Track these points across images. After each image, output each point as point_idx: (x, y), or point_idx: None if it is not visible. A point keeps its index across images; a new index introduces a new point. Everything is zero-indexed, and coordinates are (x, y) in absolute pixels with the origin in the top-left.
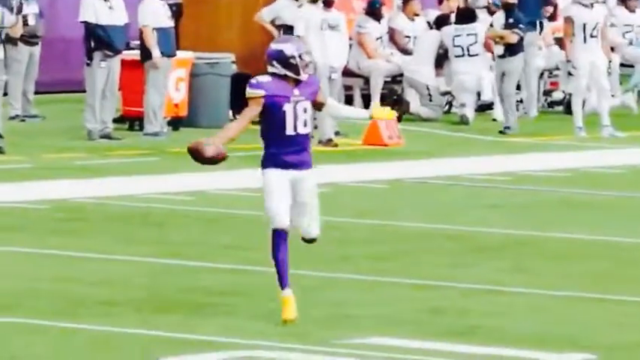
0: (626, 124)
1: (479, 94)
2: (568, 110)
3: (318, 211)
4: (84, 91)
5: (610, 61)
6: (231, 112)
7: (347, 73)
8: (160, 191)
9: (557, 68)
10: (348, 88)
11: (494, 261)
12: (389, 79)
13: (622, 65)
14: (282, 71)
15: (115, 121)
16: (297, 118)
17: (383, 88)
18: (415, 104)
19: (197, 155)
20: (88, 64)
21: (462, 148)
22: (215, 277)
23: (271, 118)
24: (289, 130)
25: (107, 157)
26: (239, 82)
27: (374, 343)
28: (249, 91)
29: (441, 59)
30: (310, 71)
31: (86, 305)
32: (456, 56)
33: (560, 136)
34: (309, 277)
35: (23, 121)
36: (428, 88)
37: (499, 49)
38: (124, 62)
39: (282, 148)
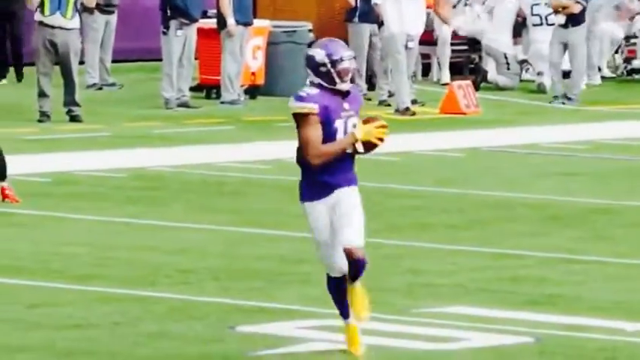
0: None
1: None
2: None
3: (361, 223)
4: (161, 60)
5: None
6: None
7: (424, 41)
8: (237, 160)
9: (636, 36)
10: (425, 56)
11: (572, 230)
12: (466, 47)
13: None
14: (316, 80)
15: (192, 89)
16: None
17: (460, 57)
18: (492, 72)
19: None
20: (164, 33)
21: (539, 117)
22: (291, 246)
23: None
24: None
25: (184, 125)
26: None
27: (453, 312)
28: (299, 106)
29: (519, 28)
30: (348, 80)
31: (164, 274)
32: (534, 25)
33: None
34: (389, 246)
35: (100, 89)
36: (505, 57)
37: (560, 19)
38: (200, 30)
39: (326, 170)
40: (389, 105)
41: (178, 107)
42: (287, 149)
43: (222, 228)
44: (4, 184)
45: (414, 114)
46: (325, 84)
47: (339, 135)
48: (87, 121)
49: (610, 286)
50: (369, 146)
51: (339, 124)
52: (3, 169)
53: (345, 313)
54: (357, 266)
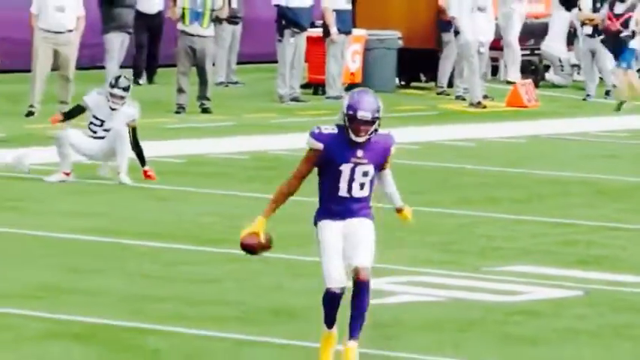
0: None
1: None
2: None
3: (371, 245)
4: (276, 62)
5: None
6: (397, 79)
7: (493, 47)
8: None
9: None
10: (493, 59)
11: (616, 203)
12: (528, 52)
13: None
14: (342, 123)
15: (302, 87)
16: (354, 180)
17: (523, 60)
18: (549, 74)
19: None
20: (279, 40)
21: (588, 110)
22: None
23: (327, 172)
24: (342, 192)
25: (296, 116)
26: (404, 55)
27: (517, 270)
28: (308, 140)
29: (572, 36)
30: (363, 135)
31: (280, 237)
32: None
33: None
34: (462, 216)
35: (227, 86)
36: (560, 61)
37: (588, 29)
38: (309, 38)
39: (333, 205)
40: (464, 99)
41: (291, 101)
42: None
43: None
44: (146, 167)
45: (484, 107)
46: (349, 130)
47: (344, 178)
48: (215, 112)
49: None
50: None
51: (344, 168)
52: (142, 157)
53: (330, 323)
54: (361, 287)
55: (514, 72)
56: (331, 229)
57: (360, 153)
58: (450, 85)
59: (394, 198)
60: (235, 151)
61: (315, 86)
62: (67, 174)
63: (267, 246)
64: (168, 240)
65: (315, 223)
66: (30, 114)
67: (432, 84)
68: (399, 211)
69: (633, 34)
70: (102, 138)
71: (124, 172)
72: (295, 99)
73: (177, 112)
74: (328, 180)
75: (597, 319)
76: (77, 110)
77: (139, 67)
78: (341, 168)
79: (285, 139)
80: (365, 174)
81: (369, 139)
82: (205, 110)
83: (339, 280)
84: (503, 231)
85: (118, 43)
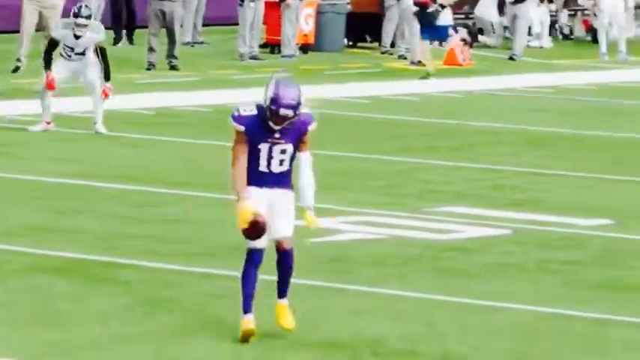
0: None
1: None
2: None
3: (291, 216)
4: (237, 24)
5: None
6: (346, 40)
7: None
8: None
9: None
10: None
11: (541, 151)
12: (464, 17)
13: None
14: (263, 104)
15: (261, 46)
16: (272, 157)
17: (458, 24)
18: (482, 36)
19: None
20: (240, 4)
21: (517, 68)
22: (331, 161)
23: (249, 150)
24: (262, 168)
25: (255, 72)
26: (352, 18)
27: (452, 211)
28: (230, 122)
29: (503, 3)
30: (281, 125)
31: None
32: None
33: (588, 59)
34: (403, 162)
35: (193, 46)
36: (492, 25)
37: None
38: (267, 2)
39: (256, 177)
40: (405, 58)
41: (250, 59)
42: (328, 90)
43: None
44: (107, 84)
45: (424, 65)
46: (268, 114)
47: (263, 156)
48: (182, 69)
49: (569, 193)
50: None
51: (262, 147)
52: (108, 74)
53: (248, 307)
54: (285, 256)
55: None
56: (258, 194)
57: (277, 134)
58: (392, 45)
59: (304, 194)
60: (200, 104)
61: (272, 46)
62: (49, 123)
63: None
64: (138, 183)
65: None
66: (16, 69)
67: (377, 44)
68: (303, 211)
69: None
70: (75, 60)
71: (99, 123)
72: (254, 57)
73: (147, 69)
74: (250, 155)
75: (523, 255)
76: (52, 47)
77: (119, 29)
78: (259, 147)
79: (245, 94)
80: (283, 152)
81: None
82: (173, 67)
83: (260, 242)
84: (440, 176)
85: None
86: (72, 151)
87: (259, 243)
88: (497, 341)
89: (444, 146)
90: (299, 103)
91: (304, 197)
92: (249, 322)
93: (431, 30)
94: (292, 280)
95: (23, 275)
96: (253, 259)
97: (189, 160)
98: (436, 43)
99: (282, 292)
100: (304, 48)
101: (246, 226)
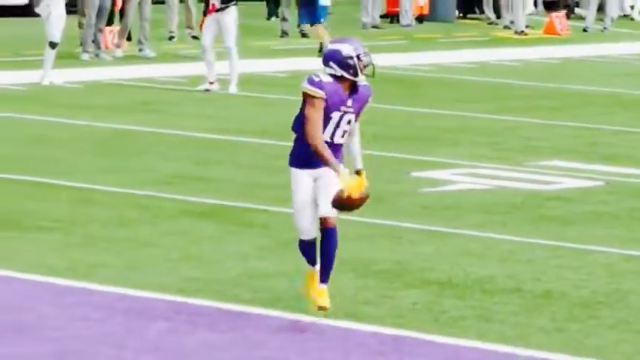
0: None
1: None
2: None
3: (334, 193)
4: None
5: None
6: (457, 12)
7: None
8: (411, 63)
9: None
10: None
11: (632, 112)
12: None
13: None
14: (339, 72)
15: (381, 17)
16: (339, 127)
17: None
18: (578, 8)
19: (348, 205)
20: None
21: (610, 38)
22: (445, 120)
23: None
24: (326, 137)
25: (376, 40)
26: None
27: (552, 164)
28: (310, 88)
29: None
30: (368, 72)
31: None
32: None
33: None
34: (508, 121)
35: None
36: None
37: None
38: None
39: (309, 152)
40: (510, 28)
41: (372, 28)
42: (442, 57)
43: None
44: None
45: (526, 35)
46: (348, 76)
47: (331, 125)
48: (311, 37)
49: None
50: (343, 205)
51: (335, 115)
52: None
53: (312, 260)
54: (329, 234)
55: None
56: (302, 182)
57: (349, 102)
58: (499, 17)
59: (357, 158)
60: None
61: (392, 16)
62: (212, 83)
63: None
64: (272, 137)
65: (290, 165)
66: (171, 38)
67: (484, 16)
68: (357, 172)
69: None
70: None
71: (233, 84)
72: (375, 26)
73: (281, 37)
74: None
75: (615, 204)
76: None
77: (271, 4)
78: (332, 115)
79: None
80: (349, 122)
81: (356, 88)
82: (304, 35)
83: (307, 233)
84: (540, 133)
85: None
86: (212, 109)
87: (310, 234)
88: (591, 280)
89: (543, 106)
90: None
91: (358, 161)
92: (312, 274)
93: (310, 11)
94: (413, 226)
95: (172, 219)
96: (308, 246)
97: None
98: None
99: (324, 275)
100: (420, 18)
101: (357, 196)
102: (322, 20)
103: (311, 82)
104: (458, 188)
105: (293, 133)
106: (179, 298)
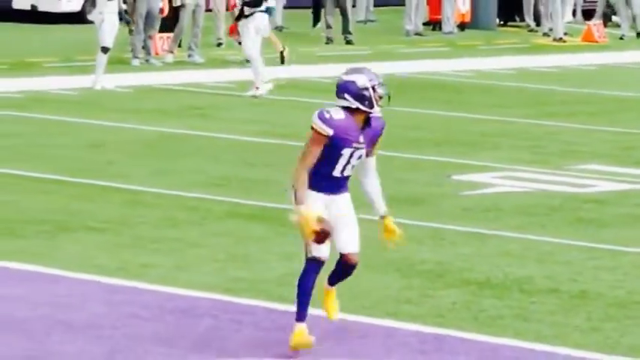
0: None
1: None
2: None
3: (356, 228)
4: (404, 5)
5: None
6: (498, 20)
7: None
8: (452, 69)
9: None
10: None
11: None
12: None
13: None
14: (355, 104)
15: (424, 24)
16: (349, 163)
17: (593, 6)
18: (615, 17)
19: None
20: None
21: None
22: (485, 124)
23: (326, 154)
24: (336, 173)
25: (418, 47)
26: (503, 0)
27: (590, 168)
28: (319, 125)
29: None
30: (384, 103)
31: None
32: None
33: None
34: (548, 125)
35: (365, 23)
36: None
37: None
38: None
39: (323, 182)
40: (549, 36)
41: (414, 35)
42: (483, 63)
43: (436, 112)
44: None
45: (565, 42)
46: (364, 108)
47: (342, 161)
48: (356, 44)
49: None
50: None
51: (345, 152)
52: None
53: (302, 315)
54: (349, 271)
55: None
56: (314, 200)
57: (361, 138)
58: (538, 24)
59: (377, 202)
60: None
61: (434, 24)
62: (257, 88)
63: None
64: None
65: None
66: (219, 45)
67: (524, 23)
68: (382, 218)
69: None
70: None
71: (252, 88)
72: (418, 34)
73: (326, 43)
74: (326, 159)
75: None
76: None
77: (317, 12)
78: (342, 152)
79: (412, 65)
80: (359, 157)
81: (369, 122)
82: (349, 42)
83: (322, 250)
84: (578, 137)
85: None
86: (260, 113)
87: (324, 253)
88: (627, 281)
89: (581, 112)
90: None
91: (380, 205)
92: (302, 331)
93: None
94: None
95: (220, 220)
96: (315, 268)
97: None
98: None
99: (334, 282)
100: (462, 26)
101: (312, 234)
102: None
103: (321, 117)
104: (497, 191)
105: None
106: (225, 298)
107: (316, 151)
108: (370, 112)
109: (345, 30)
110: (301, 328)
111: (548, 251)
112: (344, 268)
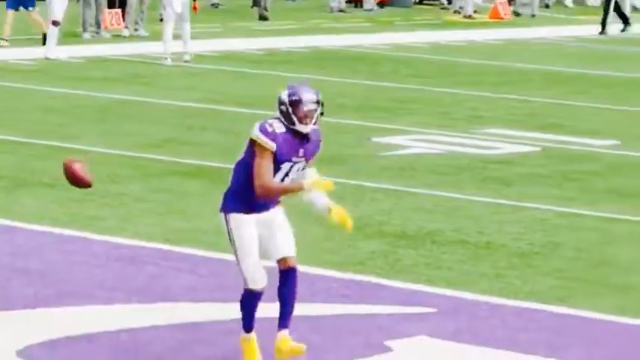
0: None
1: None
2: None
3: (290, 231)
4: None
5: None
6: None
7: None
8: (372, 43)
9: None
10: None
11: (565, 87)
12: None
13: None
14: (279, 117)
15: (347, 2)
16: (288, 175)
17: None
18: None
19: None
20: None
21: (545, 21)
22: (401, 92)
23: None
24: None
25: (341, 22)
26: None
27: (494, 132)
28: (262, 139)
29: None
30: (309, 123)
31: None
32: None
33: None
34: (455, 94)
35: (294, 0)
36: None
37: None
38: None
39: (254, 197)
40: (459, 12)
41: (337, 12)
42: (401, 37)
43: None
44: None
45: (474, 19)
46: (286, 122)
47: (279, 175)
48: (285, 19)
49: (586, 119)
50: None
51: (285, 166)
52: None
53: (249, 327)
54: (291, 274)
55: None
56: (248, 225)
57: (301, 152)
58: (450, 2)
59: (317, 202)
60: (297, 46)
61: (356, 2)
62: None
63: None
64: (251, 107)
65: (226, 211)
66: (162, 20)
67: (438, 1)
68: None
69: None
70: None
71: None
72: (342, 10)
73: (259, 20)
74: None
75: (550, 167)
76: None
77: None
78: (281, 166)
79: (335, 39)
80: (299, 169)
81: (308, 137)
82: (263, 17)
83: (261, 280)
84: (485, 104)
85: None
86: (197, 81)
87: (260, 283)
88: (529, 233)
89: (487, 81)
90: (318, 93)
91: (321, 202)
92: (250, 341)
93: None
94: (373, 185)
95: (161, 177)
96: (254, 300)
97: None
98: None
99: (285, 320)
100: (381, 4)
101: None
102: (33, 7)
103: (264, 131)
104: (412, 152)
105: (232, 172)
106: (166, 247)
107: (269, 164)
108: (293, 128)
109: (261, 5)
110: (250, 338)
111: (457, 207)
112: (282, 278)
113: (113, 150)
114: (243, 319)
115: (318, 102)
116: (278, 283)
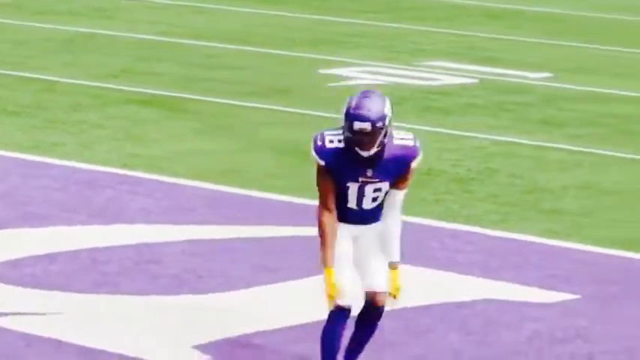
0: None
1: None
2: None
3: (386, 266)
4: None
5: None
6: None
7: None
8: None
9: None
10: None
11: (501, 21)
12: None
13: None
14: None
15: None
16: (365, 196)
17: None
18: None
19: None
20: None
21: None
22: (348, 27)
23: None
24: (351, 204)
25: None
26: None
27: (435, 64)
28: (312, 154)
29: None
30: (367, 149)
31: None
32: None
33: None
34: (398, 28)
35: None
36: None
37: None
38: None
39: (341, 212)
40: None
41: None
42: None
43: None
44: None
45: None
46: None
47: (352, 195)
48: None
49: (519, 52)
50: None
51: (351, 186)
52: None
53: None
54: (375, 314)
55: None
56: (340, 231)
57: (369, 172)
58: None
59: (388, 246)
60: None
61: None
62: None
63: None
64: (207, 40)
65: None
66: None
67: None
68: (390, 266)
69: None
70: None
71: None
72: None
73: None
74: (337, 191)
75: (487, 98)
76: None
77: None
78: (347, 185)
79: None
80: (377, 190)
81: (381, 153)
82: None
83: (346, 295)
84: (426, 39)
85: None
86: (157, 15)
87: (349, 298)
88: (467, 160)
89: (428, 16)
90: (381, 115)
91: (391, 251)
92: None
93: None
94: (320, 113)
95: (118, 105)
96: (338, 319)
97: (249, 23)
98: None
99: (353, 358)
100: None
101: (332, 302)
102: None
103: (314, 145)
104: (357, 83)
105: None
106: (123, 172)
107: (326, 184)
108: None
109: None
110: None
111: None
112: (366, 311)
113: (74, 80)
114: (325, 351)
115: (375, 130)
116: (361, 312)
